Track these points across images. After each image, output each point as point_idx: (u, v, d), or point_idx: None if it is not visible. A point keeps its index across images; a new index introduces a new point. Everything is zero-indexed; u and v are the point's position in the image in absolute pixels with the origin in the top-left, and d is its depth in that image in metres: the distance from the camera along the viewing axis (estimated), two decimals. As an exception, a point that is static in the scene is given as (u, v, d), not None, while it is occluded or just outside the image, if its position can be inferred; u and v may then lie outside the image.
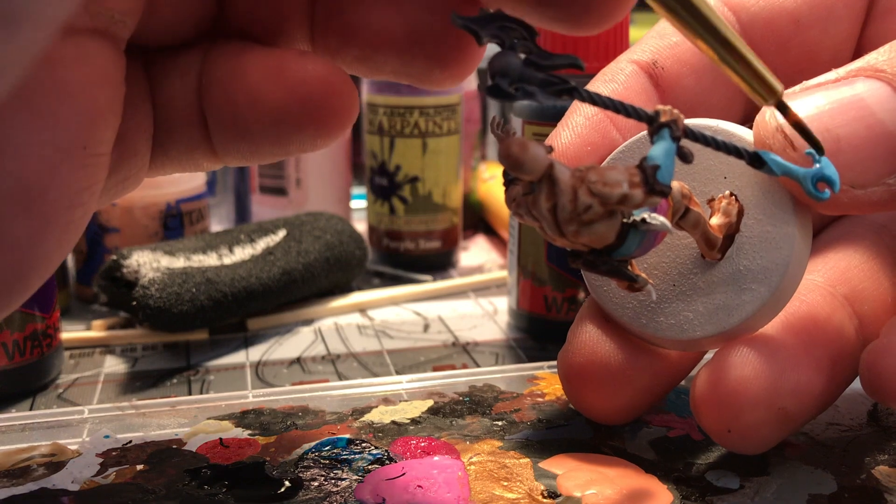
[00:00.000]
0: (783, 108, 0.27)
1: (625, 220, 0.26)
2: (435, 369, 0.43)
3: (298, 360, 0.44)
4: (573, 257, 0.28)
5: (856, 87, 0.28)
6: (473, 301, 0.54)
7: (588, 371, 0.33)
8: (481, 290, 0.56)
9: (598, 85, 0.34)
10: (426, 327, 0.49)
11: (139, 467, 0.32)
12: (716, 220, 0.30)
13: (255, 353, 0.45)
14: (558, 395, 0.38)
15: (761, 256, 0.29)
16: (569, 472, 0.32)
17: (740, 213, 0.30)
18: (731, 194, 0.30)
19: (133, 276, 0.45)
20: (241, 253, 0.49)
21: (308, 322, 0.50)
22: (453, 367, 0.43)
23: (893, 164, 0.27)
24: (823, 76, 0.29)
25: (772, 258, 0.29)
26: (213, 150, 0.27)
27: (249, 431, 0.35)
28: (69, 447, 0.34)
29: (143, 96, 0.26)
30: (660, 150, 0.25)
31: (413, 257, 0.59)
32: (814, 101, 0.28)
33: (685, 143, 0.26)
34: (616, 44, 0.44)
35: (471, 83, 0.67)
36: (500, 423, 0.36)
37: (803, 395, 0.30)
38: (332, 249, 0.51)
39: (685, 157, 0.25)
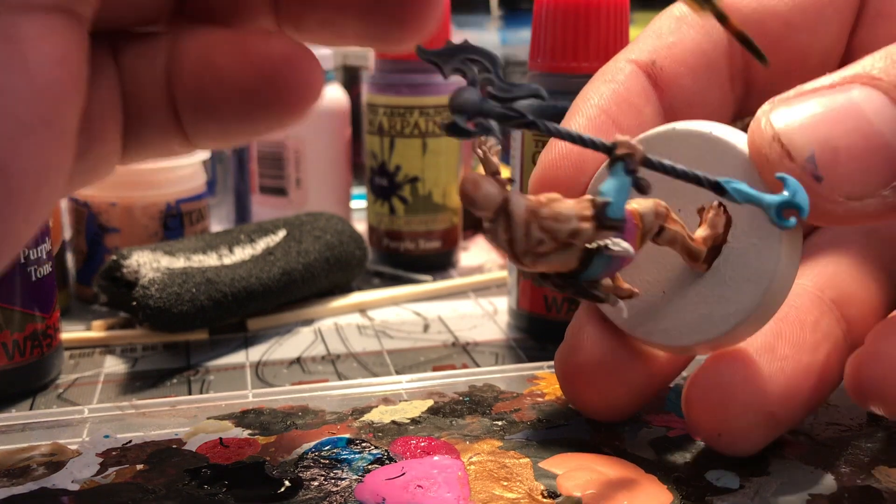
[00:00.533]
0: (722, 18, 0.27)
1: (588, 246, 0.26)
2: (435, 369, 0.43)
3: (298, 361, 0.44)
4: (542, 278, 0.28)
5: (852, 95, 0.27)
6: (473, 301, 0.54)
7: (585, 370, 0.33)
8: (481, 290, 0.56)
9: (598, 84, 0.34)
10: (426, 327, 0.49)
11: (139, 467, 0.32)
12: (701, 232, 0.30)
13: (255, 353, 0.45)
14: (558, 394, 0.38)
15: (746, 268, 0.29)
16: (569, 471, 0.32)
17: (728, 224, 0.30)
18: (720, 205, 0.30)
19: (133, 277, 0.45)
20: (241, 253, 0.49)
21: (308, 322, 0.50)
22: (453, 367, 0.43)
23: (889, 175, 0.27)
24: (818, 81, 0.28)
25: (756, 271, 0.29)
26: (184, 133, 0.28)
27: (249, 431, 0.35)
28: (69, 447, 0.34)
29: (110, 82, 0.27)
30: (612, 185, 0.26)
31: (413, 257, 0.59)
32: (809, 107, 0.28)
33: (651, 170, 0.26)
34: (615, 44, 0.44)
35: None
36: (500, 422, 0.36)
37: (792, 400, 0.31)
38: (332, 249, 0.51)
39: (642, 189, 0.26)
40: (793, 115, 0.28)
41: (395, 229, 0.58)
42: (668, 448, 0.34)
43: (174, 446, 0.34)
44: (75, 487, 0.31)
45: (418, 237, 0.58)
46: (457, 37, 0.66)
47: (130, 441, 0.34)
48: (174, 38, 0.27)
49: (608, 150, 0.26)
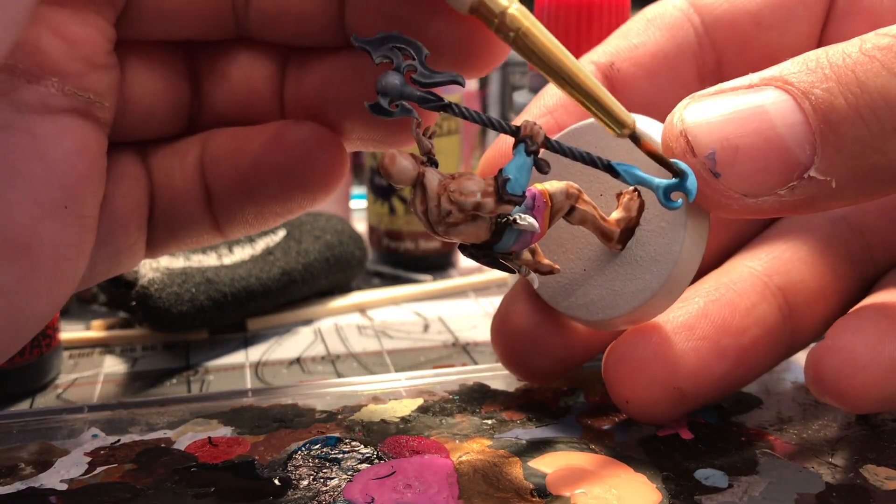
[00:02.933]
0: (636, 139, 0.29)
1: (499, 220, 0.28)
2: (434, 369, 0.43)
3: (298, 361, 0.44)
4: (461, 248, 0.30)
5: (763, 97, 0.28)
6: (473, 301, 0.54)
7: (510, 338, 0.35)
8: (481, 290, 0.56)
9: (553, 85, 0.36)
10: (426, 327, 0.49)
11: (127, 466, 0.32)
12: (615, 215, 0.32)
13: (255, 353, 0.45)
14: (548, 394, 0.38)
15: (654, 249, 0.31)
16: (558, 470, 0.32)
17: (641, 208, 0.31)
18: (635, 190, 0.32)
19: (132, 276, 0.45)
20: (241, 253, 0.49)
21: (308, 322, 0.50)
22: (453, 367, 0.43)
23: (786, 177, 0.28)
24: (739, 80, 0.29)
25: (663, 252, 0.31)
26: (216, 223, 0.31)
27: (238, 430, 0.35)
28: (57, 446, 0.34)
29: (136, 180, 0.30)
30: (514, 164, 0.28)
31: (413, 257, 0.59)
32: (721, 105, 0.29)
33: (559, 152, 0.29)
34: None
35: (471, 83, 0.67)
36: (489, 421, 0.36)
37: (702, 379, 0.32)
38: (331, 249, 0.52)
39: (541, 168, 0.28)
40: (704, 111, 0.29)
41: (395, 229, 0.58)
42: (657, 447, 0.33)
43: (163, 445, 0.34)
44: (63, 487, 0.31)
45: (418, 237, 0.58)
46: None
47: (119, 440, 0.34)
48: (204, 137, 0.30)
49: (514, 132, 0.28)
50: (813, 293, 0.35)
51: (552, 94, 0.35)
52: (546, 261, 0.32)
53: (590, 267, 0.33)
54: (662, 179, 0.29)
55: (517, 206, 0.28)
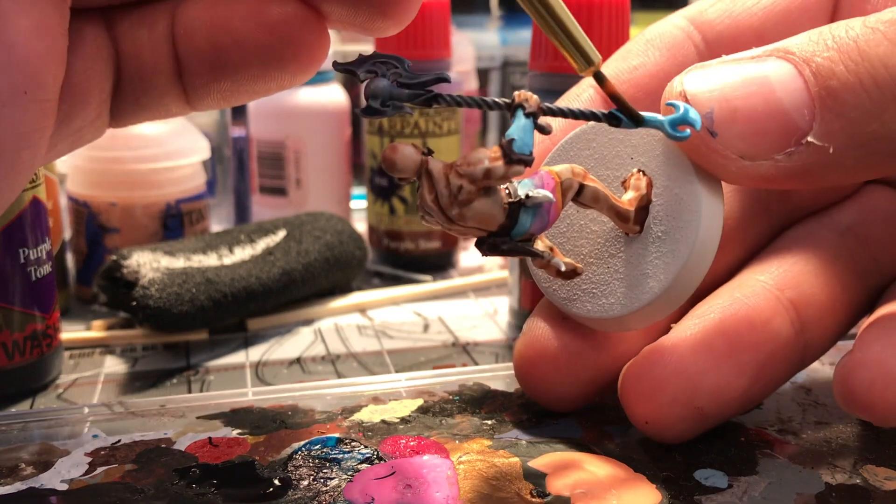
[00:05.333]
0: (600, 79, 0.29)
1: (511, 200, 0.28)
2: (435, 370, 0.43)
3: (298, 361, 0.44)
4: (479, 244, 0.30)
5: (765, 66, 0.28)
6: (473, 301, 0.54)
7: (535, 363, 0.35)
8: (481, 290, 0.56)
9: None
10: (426, 327, 0.49)
11: (128, 467, 0.32)
12: (627, 196, 0.31)
13: (255, 353, 0.46)
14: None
15: (675, 217, 0.30)
16: (558, 471, 0.32)
17: (650, 185, 0.31)
18: (639, 170, 0.32)
19: (133, 277, 0.45)
20: (241, 253, 0.49)
21: (308, 322, 0.50)
22: (453, 367, 0.43)
23: (784, 142, 0.28)
24: (742, 53, 0.30)
25: (684, 216, 0.30)
26: (184, 95, 0.30)
27: (238, 430, 0.35)
28: (58, 446, 0.34)
29: (97, 51, 0.28)
30: (515, 126, 0.27)
31: (413, 257, 0.59)
32: (724, 73, 0.29)
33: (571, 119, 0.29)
34: (616, 44, 0.44)
35: (471, 83, 0.67)
36: (489, 421, 0.36)
37: (722, 397, 0.32)
38: (332, 249, 0.52)
39: (543, 129, 0.28)
40: (705, 77, 0.29)
41: (395, 229, 0.58)
42: (657, 447, 0.33)
43: (163, 445, 0.34)
44: (64, 487, 0.31)
45: (418, 237, 0.58)
46: (457, 37, 0.67)
47: (119, 440, 0.34)
48: (174, 5, 0.29)
49: (507, 104, 0.28)
50: (823, 306, 0.34)
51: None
52: (567, 259, 0.31)
53: (611, 260, 0.32)
54: (666, 116, 0.29)
55: (527, 181, 0.28)
